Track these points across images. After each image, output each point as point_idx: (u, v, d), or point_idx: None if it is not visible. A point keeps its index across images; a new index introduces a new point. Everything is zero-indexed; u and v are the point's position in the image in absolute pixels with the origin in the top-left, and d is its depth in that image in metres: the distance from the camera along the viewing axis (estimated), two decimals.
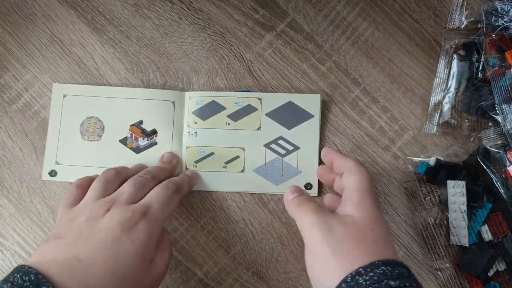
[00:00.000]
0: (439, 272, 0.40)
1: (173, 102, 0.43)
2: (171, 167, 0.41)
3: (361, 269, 0.27)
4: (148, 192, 0.36)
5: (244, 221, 0.42)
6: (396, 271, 0.27)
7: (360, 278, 0.27)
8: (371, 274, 0.27)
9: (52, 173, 0.42)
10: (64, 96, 0.43)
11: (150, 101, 0.43)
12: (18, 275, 0.27)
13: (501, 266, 0.39)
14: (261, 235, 0.42)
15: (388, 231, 0.32)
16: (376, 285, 0.26)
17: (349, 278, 0.27)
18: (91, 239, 0.31)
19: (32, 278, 0.27)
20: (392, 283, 0.26)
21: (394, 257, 0.29)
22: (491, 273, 0.39)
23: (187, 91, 0.44)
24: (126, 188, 0.36)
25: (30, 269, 0.28)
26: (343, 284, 0.27)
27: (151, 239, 0.33)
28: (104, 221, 0.32)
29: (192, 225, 0.42)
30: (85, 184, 0.37)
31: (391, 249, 0.31)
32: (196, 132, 0.42)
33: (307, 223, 0.32)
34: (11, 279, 0.27)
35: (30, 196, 0.43)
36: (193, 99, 0.43)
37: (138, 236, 0.32)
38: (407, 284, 0.27)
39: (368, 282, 0.26)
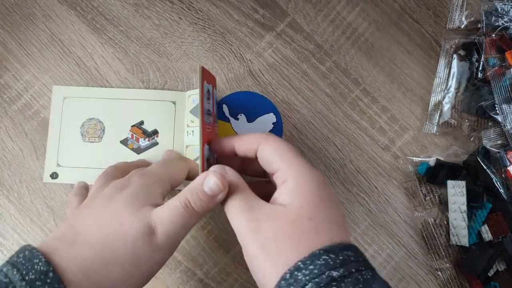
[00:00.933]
0: (439, 272, 0.40)
1: (174, 103, 0.43)
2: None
3: (300, 263, 0.24)
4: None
5: None
6: (340, 257, 0.24)
7: (299, 274, 0.24)
8: (311, 267, 0.24)
9: (54, 175, 0.42)
10: (64, 98, 0.43)
11: (151, 101, 0.43)
12: (16, 254, 0.27)
13: (501, 266, 0.39)
14: None
15: (337, 213, 0.28)
16: (316, 279, 0.23)
17: (288, 275, 0.24)
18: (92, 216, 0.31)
19: (27, 253, 0.27)
20: (335, 273, 0.23)
21: (339, 241, 0.26)
22: (491, 273, 0.39)
23: (187, 91, 0.44)
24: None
25: (26, 246, 0.28)
26: (282, 282, 0.24)
27: (142, 191, 0.32)
28: (112, 205, 0.31)
29: None
30: (81, 192, 0.38)
31: (339, 233, 0.27)
32: (193, 131, 0.42)
33: (235, 223, 0.28)
34: (9, 260, 0.27)
35: (30, 196, 0.43)
36: (191, 98, 0.43)
37: (143, 213, 0.30)
38: (353, 271, 0.24)
39: (307, 278, 0.24)
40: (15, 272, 0.25)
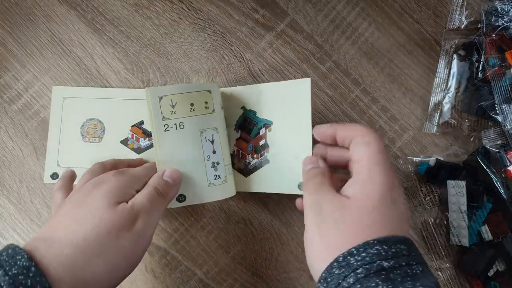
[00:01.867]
0: (439, 272, 0.40)
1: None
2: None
3: (353, 249, 0.26)
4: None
5: (244, 221, 0.42)
6: (393, 250, 0.26)
7: (351, 259, 0.26)
8: (363, 254, 0.26)
9: (54, 176, 0.42)
10: (64, 98, 0.43)
11: None
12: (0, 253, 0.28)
13: (501, 266, 0.39)
14: (261, 235, 0.42)
15: (399, 211, 0.29)
16: (367, 266, 0.25)
17: (341, 258, 0.26)
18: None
19: (10, 251, 0.28)
20: (386, 264, 0.25)
21: (396, 233, 0.27)
22: (491, 273, 0.39)
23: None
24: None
25: (9, 245, 0.29)
26: (335, 263, 0.26)
27: (119, 189, 0.33)
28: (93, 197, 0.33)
29: (192, 225, 0.42)
30: (66, 184, 0.37)
31: (396, 228, 0.28)
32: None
33: (305, 201, 0.31)
34: None
35: (30, 196, 0.43)
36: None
37: (105, 186, 0.33)
38: (403, 264, 0.25)
39: (359, 263, 0.25)
40: None
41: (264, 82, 0.44)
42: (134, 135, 0.43)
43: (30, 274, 0.26)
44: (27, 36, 0.45)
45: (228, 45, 0.44)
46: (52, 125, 0.43)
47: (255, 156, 0.40)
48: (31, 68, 0.44)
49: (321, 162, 0.34)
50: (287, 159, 0.38)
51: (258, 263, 0.42)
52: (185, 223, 0.42)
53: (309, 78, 0.37)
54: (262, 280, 0.41)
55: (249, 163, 0.40)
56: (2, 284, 0.26)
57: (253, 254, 0.42)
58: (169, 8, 0.45)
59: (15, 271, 0.26)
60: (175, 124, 0.37)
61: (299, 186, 0.38)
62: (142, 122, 0.43)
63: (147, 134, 0.43)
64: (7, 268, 0.26)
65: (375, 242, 0.26)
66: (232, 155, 0.41)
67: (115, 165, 0.39)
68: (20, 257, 0.27)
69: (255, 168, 0.40)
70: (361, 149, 0.31)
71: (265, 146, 0.40)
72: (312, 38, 0.44)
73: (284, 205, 0.42)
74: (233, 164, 0.41)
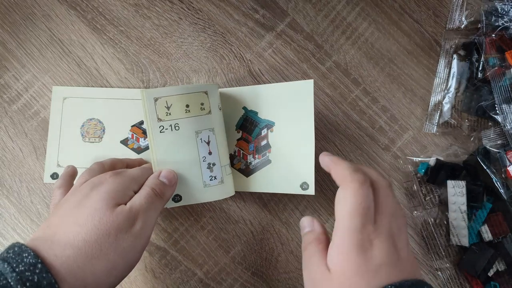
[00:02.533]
0: (439, 272, 0.40)
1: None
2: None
3: None
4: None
5: (244, 221, 0.42)
6: None
7: None
8: None
9: (54, 176, 0.42)
10: (64, 98, 0.43)
11: None
12: (5, 250, 0.29)
13: (501, 266, 0.39)
14: (261, 235, 0.42)
15: (385, 263, 0.27)
16: None
17: None
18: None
19: (16, 249, 0.28)
20: None
21: (394, 281, 0.26)
22: (491, 273, 0.39)
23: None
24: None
25: (15, 244, 0.29)
26: None
27: (125, 195, 0.34)
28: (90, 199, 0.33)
29: (192, 225, 0.42)
30: (66, 183, 0.37)
31: (395, 273, 0.27)
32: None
33: (303, 275, 0.31)
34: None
35: (30, 196, 0.43)
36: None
37: (103, 188, 0.33)
38: None
39: None
40: (5, 266, 0.27)
41: (264, 82, 0.44)
42: (134, 135, 0.43)
43: (37, 271, 0.27)
44: (27, 36, 0.45)
45: (228, 45, 0.44)
46: (52, 125, 0.43)
47: (256, 156, 0.40)
48: (31, 68, 0.44)
49: (317, 225, 0.32)
50: (289, 160, 0.38)
51: (258, 263, 0.42)
52: (185, 223, 0.42)
53: (312, 80, 0.37)
54: (262, 280, 0.41)
55: (250, 163, 0.40)
56: (10, 280, 0.26)
57: (253, 254, 0.42)
58: (169, 8, 0.45)
59: (22, 268, 0.27)
60: (170, 125, 0.37)
61: (302, 186, 0.38)
62: (142, 122, 0.43)
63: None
64: (14, 265, 0.27)
65: None
66: (233, 155, 0.41)
67: (113, 165, 0.39)
68: (26, 254, 0.28)
69: (256, 168, 0.40)
70: (337, 204, 0.29)
71: (267, 146, 0.40)
72: (312, 38, 0.44)
73: (284, 205, 0.42)
74: (233, 164, 0.41)
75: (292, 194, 0.42)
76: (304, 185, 0.39)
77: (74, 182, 0.37)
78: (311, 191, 0.39)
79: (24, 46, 0.45)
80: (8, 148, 0.44)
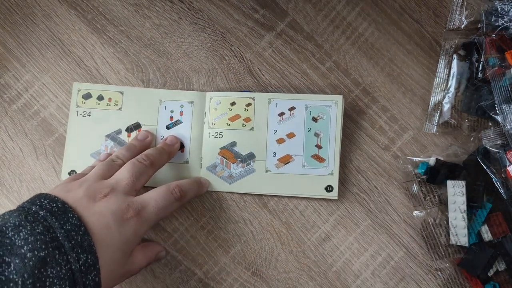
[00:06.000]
0: (439, 272, 0.40)
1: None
2: (172, 150, 0.41)
3: None
4: (147, 178, 0.37)
5: (244, 221, 0.42)
6: None
7: None
8: None
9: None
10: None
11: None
12: (46, 201, 0.30)
13: (501, 266, 0.39)
14: (261, 235, 0.42)
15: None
16: None
17: None
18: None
19: (60, 205, 0.30)
20: None
21: None
22: (491, 273, 0.39)
23: (207, 91, 0.44)
24: (125, 175, 0.36)
25: (55, 198, 0.31)
26: None
27: (136, 238, 0.34)
28: (99, 205, 0.33)
29: (192, 225, 0.42)
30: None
31: None
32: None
33: None
34: (38, 203, 0.30)
35: (30, 196, 0.43)
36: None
37: (126, 230, 0.33)
38: None
39: None
40: (54, 220, 0.29)
41: (264, 82, 0.44)
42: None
43: (80, 232, 0.30)
44: (27, 36, 0.45)
45: (228, 45, 0.44)
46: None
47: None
48: (31, 68, 0.44)
49: None
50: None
51: (258, 263, 0.42)
52: (184, 223, 0.42)
53: (341, 96, 0.41)
54: (262, 280, 0.41)
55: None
56: (59, 235, 0.28)
57: (253, 254, 0.42)
58: (169, 8, 0.45)
59: (69, 227, 0.29)
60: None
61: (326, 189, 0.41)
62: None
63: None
64: (62, 222, 0.29)
65: None
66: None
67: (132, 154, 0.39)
68: (71, 215, 0.30)
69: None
70: None
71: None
72: (312, 38, 0.44)
73: (284, 205, 0.42)
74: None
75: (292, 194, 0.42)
76: (328, 188, 0.41)
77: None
78: (334, 194, 0.41)
79: (24, 46, 0.45)
80: (8, 148, 0.44)
